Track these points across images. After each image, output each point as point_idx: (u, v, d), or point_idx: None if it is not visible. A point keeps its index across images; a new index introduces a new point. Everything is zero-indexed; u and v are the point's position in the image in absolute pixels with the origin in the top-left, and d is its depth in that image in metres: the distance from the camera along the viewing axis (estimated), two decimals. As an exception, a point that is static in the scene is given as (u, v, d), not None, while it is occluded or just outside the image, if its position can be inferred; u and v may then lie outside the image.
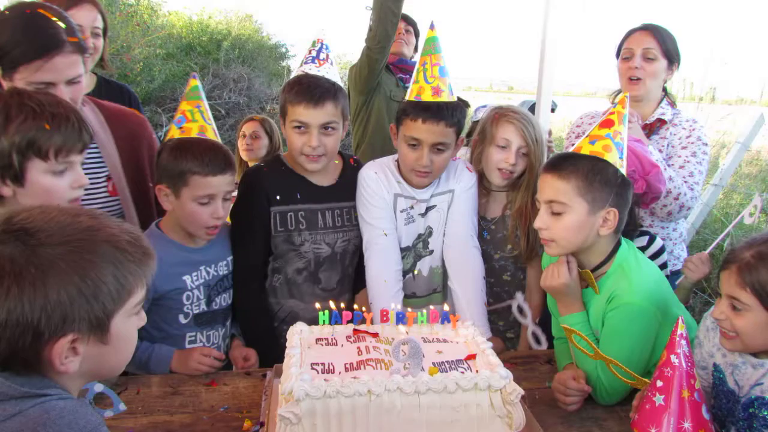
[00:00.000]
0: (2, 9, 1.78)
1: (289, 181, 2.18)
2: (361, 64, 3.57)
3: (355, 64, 3.68)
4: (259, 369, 1.88)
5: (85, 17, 2.39)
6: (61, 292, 0.94)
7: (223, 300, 2.11)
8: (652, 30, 2.54)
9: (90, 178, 1.90)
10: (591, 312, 1.77)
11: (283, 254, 2.18)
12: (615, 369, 1.57)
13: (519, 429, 1.41)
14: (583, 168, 1.68)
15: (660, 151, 2.50)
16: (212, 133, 2.02)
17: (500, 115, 2.24)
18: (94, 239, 0.99)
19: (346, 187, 2.24)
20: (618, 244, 1.76)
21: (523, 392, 1.41)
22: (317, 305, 1.71)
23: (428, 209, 2.26)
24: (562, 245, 1.72)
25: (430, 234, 2.28)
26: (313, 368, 1.47)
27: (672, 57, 2.55)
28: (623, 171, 1.71)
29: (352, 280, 2.30)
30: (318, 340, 1.64)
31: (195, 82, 2.05)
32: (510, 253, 2.29)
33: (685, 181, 2.44)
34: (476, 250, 2.24)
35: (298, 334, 1.62)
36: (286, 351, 1.55)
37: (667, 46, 2.52)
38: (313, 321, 1.66)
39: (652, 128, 2.58)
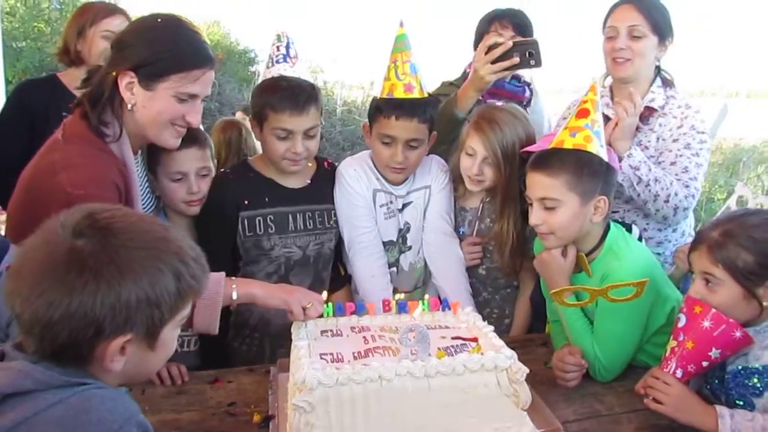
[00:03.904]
0: (154, 17, 1.74)
1: (257, 186, 2.14)
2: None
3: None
4: (262, 365, 1.90)
5: (117, 27, 2.49)
6: (131, 294, 0.96)
7: None
8: (636, 3, 2.20)
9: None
10: (585, 295, 1.82)
11: (253, 259, 2.15)
12: (614, 294, 1.66)
13: (526, 407, 1.46)
14: (570, 163, 1.72)
15: (647, 147, 2.28)
16: None
17: (471, 121, 2.19)
18: (167, 249, 1.03)
19: (319, 189, 2.21)
20: (607, 228, 1.82)
21: (528, 371, 1.46)
22: (324, 294, 1.73)
23: (405, 205, 2.28)
24: (560, 236, 1.77)
25: (408, 230, 2.30)
26: (322, 358, 1.49)
27: (663, 32, 2.22)
28: (605, 157, 1.77)
29: (327, 284, 2.25)
30: (323, 332, 1.67)
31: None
32: (487, 245, 2.28)
33: (678, 179, 2.17)
34: (456, 246, 2.28)
35: (303, 327, 1.65)
36: (293, 343, 1.57)
37: (656, 20, 2.19)
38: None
39: (640, 118, 2.22)
